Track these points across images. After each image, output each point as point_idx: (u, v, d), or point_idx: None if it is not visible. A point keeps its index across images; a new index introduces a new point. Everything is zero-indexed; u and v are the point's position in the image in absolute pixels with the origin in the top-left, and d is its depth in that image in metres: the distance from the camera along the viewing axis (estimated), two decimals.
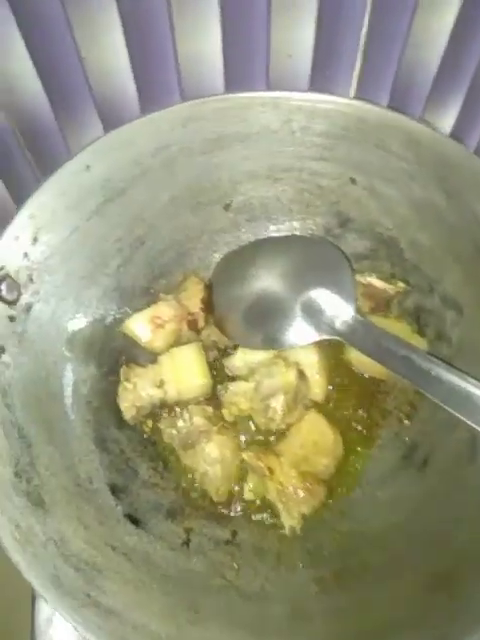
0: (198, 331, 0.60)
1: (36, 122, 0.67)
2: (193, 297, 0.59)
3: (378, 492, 0.54)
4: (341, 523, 0.53)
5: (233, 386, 0.56)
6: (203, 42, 0.62)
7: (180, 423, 0.55)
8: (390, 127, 0.52)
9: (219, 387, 0.57)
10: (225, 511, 0.55)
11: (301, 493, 0.51)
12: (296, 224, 0.63)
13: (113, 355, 0.58)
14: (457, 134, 0.74)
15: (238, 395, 0.56)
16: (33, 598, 0.56)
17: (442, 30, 0.64)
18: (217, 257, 0.63)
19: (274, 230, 0.63)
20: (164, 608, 0.45)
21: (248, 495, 0.55)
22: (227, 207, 0.61)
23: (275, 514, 0.53)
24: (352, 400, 0.59)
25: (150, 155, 0.54)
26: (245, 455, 0.53)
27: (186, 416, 0.55)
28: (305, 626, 0.46)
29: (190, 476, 0.56)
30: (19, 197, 0.71)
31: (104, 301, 0.57)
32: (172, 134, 0.53)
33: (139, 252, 0.58)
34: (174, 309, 0.57)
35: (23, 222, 0.48)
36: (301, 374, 0.56)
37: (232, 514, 0.55)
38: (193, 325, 0.59)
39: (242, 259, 0.61)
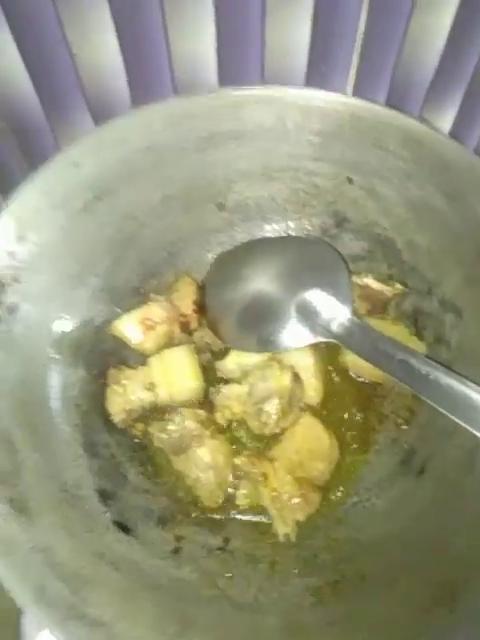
0: (190, 333, 0.58)
1: (27, 121, 0.66)
2: (185, 298, 0.58)
3: (375, 499, 0.53)
4: (337, 530, 0.52)
5: (226, 389, 0.55)
6: (197, 39, 0.61)
7: (171, 427, 0.53)
8: (387, 125, 0.51)
9: (212, 390, 0.56)
10: (217, 518, 0.53)
11: (296, 500, 0.50)
12: (291, 224, 0.62)
13: (102, 357, 0.56)
14: (456, 134, 0.73)
15: (231, 399, 0.55)
16: (19, 610, 0.54)
17: (440, 29, 0.63)
18: (210, 257, 0.62)
19: (269, 230, 0.62)
20: (153, 620, 0.43)
21: (241, 501, 0.53)
22: (221, 206, 0.60)
23: (269, 521, 0.52)
24: (348, 404, 0.57)
25: (141, 152, 0.53)
26: (238, 460, 0.52)
27: (178, 420, 0.53)
28: (300, 639, 0.44)
29: (182, 482, 0.54)
30: (10, 197, 0.70)
31: (93, 302, 0.55)
32: (164, 131, 0.53)
33: (130, 252, 0.57)
34: (165, 310, 0.56)
35: (7, 220, 0.47)
36: (296, 377, 0.55)
37: (225, 521, 0.53)
38: (185, 327, 0.57)
39: (236, 259, 0.60)
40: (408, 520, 0.49)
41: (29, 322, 0.50)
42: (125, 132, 0.52)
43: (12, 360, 0.48)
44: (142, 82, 0.64)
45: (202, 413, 0.54)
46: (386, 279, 0.59)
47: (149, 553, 0.48)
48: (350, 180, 0.56)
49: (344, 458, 0.55)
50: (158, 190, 0.56)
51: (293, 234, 0.62)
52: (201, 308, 0.59)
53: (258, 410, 0.53)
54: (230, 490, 0.53)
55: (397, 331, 0.57)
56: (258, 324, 0.56)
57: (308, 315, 0.54)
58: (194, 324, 0.58)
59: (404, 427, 0.56)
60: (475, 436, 0.42)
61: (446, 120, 0.74)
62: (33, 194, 0.49)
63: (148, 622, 0.43)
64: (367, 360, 0.50)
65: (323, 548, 0.50)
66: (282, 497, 0.50)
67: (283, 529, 0.50)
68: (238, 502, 0.53)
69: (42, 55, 0.60)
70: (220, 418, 0.55)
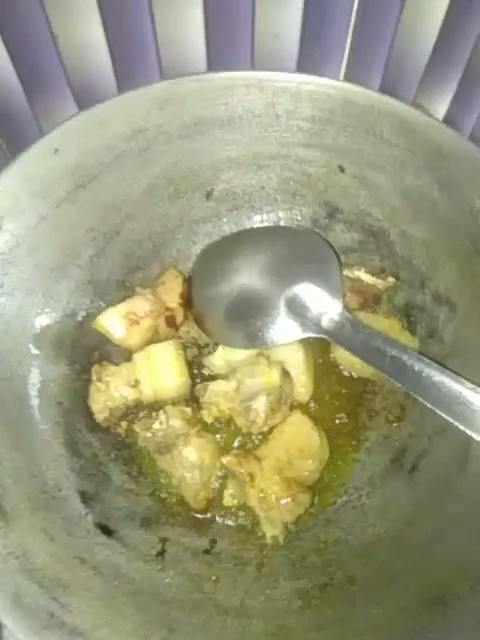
0: (176, 327, 0.57)
1: (7, 105, 0.64)
2: (171, 291, 0.56)
3: (365, 498, 0.52)
4: (326, 532, 0.51)
5: (213, 386, 0.53)
6: (184, 21, 0.59)
7: (156, 425, 0.52)
8: (381, 111, 0.50)
9: (198, 387, 0.54)
10: (203, 519, 0.52)
11: (284, 500, 0.49)
12: (281, 214, 0.60)
13: (85, 352, 0.55)
14: (451, 120, 0.72)
15: (218, 395, 0.53)
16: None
17: (435, 13, 0.62)
18: (197, 249, 0.61)
19: (258, 220, 0.61)
20: (136, 626, 0.42)
21: (228, 502, 0.52)
22: (208, 195, 0.58)
23: (256, 522, 0.51)
24: (339, 401, 0.57)
25: (125, 139, 0.51)
26: (225, 459, 0.50)
27: (163, 418, 0.52)
28: None
29: (167, 481, 0.53)
30: None
31: (76, 295, 0.53)
32: (149, 116, 0.51)
33: (114, 243, 0.55)
34: (151, 304, 0.55)
35: None
36: (285, 373, 0.53)
37: (211, 522, 0.52)
38: (171, 321, 0.56)
39: (223, 251, 0.59)
40: (398, 521, 0.49)
41: (7, 316, 0.48)
42: (109, 117, 0.50)
43: None
44: (127, 65, 0.62)
45: (188, 411, 0.53)
46: (378, 272, 0.57)
47: (132, 556, 0.47)
48: (342, 168, 0.55)
49: (334, 457, 0.54)
50: (143, 178, 0.54)
51: (283, 225, 0.60)
52: (187, 302, 0.57)
53: (246, 407, 0.52)
54: (216, 490, 0.52)
55: (389, 325, 0.56)
56: (246, 319, 0.54)
57: (298, 310, 0.52)
58: (180, 318, 0.57)
59: (395, 424, 0.55)
60: (467, 434, 0.41)
61: (441, 106, 0.72)
62: (12, 181, 0.47)
63: (130, 629, 0.42)
64: (358, 356, 0.49)
65: (312, 550, 0.49)
66: (270, 498, 0.48)
67: (271, 531, 0.49)
68: (225, 502, 0.52)
69: (23, 37, 0.58)
70: (207, 416, 0.53)
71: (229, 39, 0.61)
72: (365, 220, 0.57)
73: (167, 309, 0.56)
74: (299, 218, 0.60)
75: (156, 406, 0.53)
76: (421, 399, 0.44)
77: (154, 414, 0.52)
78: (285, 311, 0.53)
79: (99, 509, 0.49)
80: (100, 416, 0.52)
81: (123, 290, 0.57)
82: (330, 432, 0.54)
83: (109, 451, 0.53)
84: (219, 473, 0.53)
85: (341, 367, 0.57)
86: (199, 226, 0.60)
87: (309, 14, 0.58)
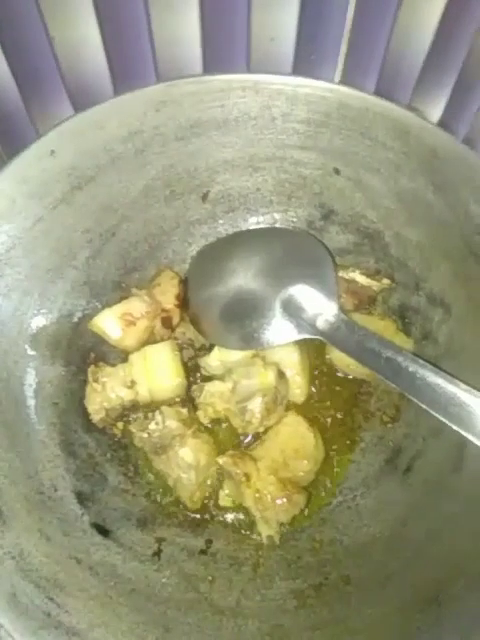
0: (172, 328, 0.57)
1: (3, 106, 0.64)
2: (167, 292, 0.56)
3: (360, 499, 0.52)
4: (321, 532, 0.51)
5: (209, 387, 0.53)
6: (180, 23, 0.60)
7: (152, 426, 0.52)
8: (376, 114, 0.50)
9: (194, 388, 0.55)
10: (199, 519, 0.52)
11: (279, 501, 0.49)
12: (277, 216, 0.61)
13: (81, 353, 0.55)
14: (445, 123, 0.72)
15: (214, 396, 0.53)
16: None
17: (430, 17, 0.62)
18: (193, 250, 0.61)
19: (253, 222, 0.61)
20: (132, 626, 0.42)
21: (224, 502, 0.52)
22: (204, 197, 0.58)
23: (252, 522, 0.51)
24: (334, 401, 0.57)
25: (121, 140, 0.51)
26: (221, 460, 0.50)
27: (159, 418, 0.52)
28: None
29: (163, 482, 0.53)
30: None
31: (72, 296, 0.53)
32: (145, 118, 0.51)
33: (110, 244, 0.55)
34: (147, 305, 0.55)
35: None
36: (281, 374, 0.53)
37: (207, 522, 0.52)
38: (167, 322, 0.56)
39: (219, 253, 0.59)
40: (393, 521, 0.49)
41: (3, 317, 0.48)
42: (105, 119, 0.50)
43: None
44: (124, 68, 0.62)
45: (184, 411, 0.53)
46: (373, 273, 0.58)
47: (128, 556, 0.47)
48: (337, 171, 0.55)
49: (329, 457, 0.54)
50: (139, 180, 0.54)
51: (278, 226, 0.61)
52: (183, 303, 0.57)
53: (242, 408, 0.52)
54: (212, 490, 0.52)
55: (384, 327, 0.56)
56: (242, 320, 0.54)
57: (293, 311, 0.52)
58: (176, 319, 0.57)
59: (390, 425, 0.55)
60: (462, 435, 0.41)
61: (436, 109, 0.72)
62: (8, 183, 0.47)
63: (126, 629, 0.42)
64: (353, 358, 0.49)
65: (307, 550, 0.50)
66: (265, 498, 0.49)
67: (266, 531, 0.49)
68: (221, 503, 0.52)
69: (19, 39, 0.58)
70: (203, 416, 0.53)
71: (225, 42, 0.61)
72: (360, 222, 0.57)
73: (163, 310, 0.56)
74: (294, 220, 0.60)
75: (152, 407, 0.53)
76: (416, 400, 0.44)
77: (150, 415, 0.52)
78: (281, 312, 0.53)
79: (95, 509, 0.49)
80: (96, 417, 0.52)
81: (119, 291, 0.57)
82: (325, 433, 0.54)
83: (105, 452, 0.53)
84: (215, 474, 0.53)
85: (336, 368, 0.57)
86: (195, 228, 0.60)
87: (305, 17, 0.59)
